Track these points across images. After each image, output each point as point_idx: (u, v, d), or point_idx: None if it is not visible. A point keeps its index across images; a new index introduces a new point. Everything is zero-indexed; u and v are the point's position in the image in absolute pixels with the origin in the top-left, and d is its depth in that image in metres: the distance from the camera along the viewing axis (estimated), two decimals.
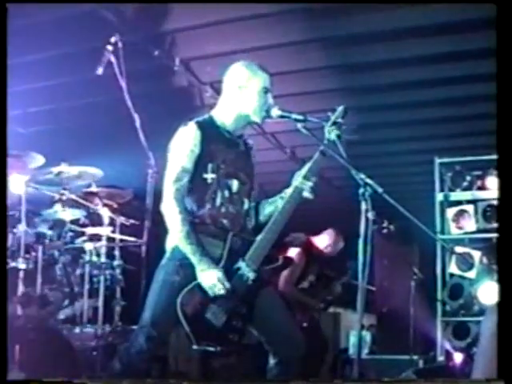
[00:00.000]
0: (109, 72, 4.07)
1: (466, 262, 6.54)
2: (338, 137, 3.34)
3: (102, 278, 5.58)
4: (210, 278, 3.23)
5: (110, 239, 5.86)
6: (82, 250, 5.68)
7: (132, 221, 6.04)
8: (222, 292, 3.23)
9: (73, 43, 5.17)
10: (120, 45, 4.08)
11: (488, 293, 6.31)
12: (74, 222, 5.96)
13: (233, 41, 5.24)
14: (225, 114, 3.51)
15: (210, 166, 3.38)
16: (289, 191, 3.44)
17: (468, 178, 6.90)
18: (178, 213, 3.28)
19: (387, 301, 7.14)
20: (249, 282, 3.31)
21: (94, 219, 5.98)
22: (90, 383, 3.72)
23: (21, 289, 4.97)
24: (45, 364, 4.15)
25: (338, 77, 5.99)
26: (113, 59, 4.07)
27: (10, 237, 5.13)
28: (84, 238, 5.85)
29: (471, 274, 6.58)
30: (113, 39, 4.09)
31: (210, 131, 3.42)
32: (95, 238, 5.80)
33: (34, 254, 5.26)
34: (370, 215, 3.03)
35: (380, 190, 3.06)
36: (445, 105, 6.52)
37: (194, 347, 3.19)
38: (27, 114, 6.26)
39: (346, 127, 3.40)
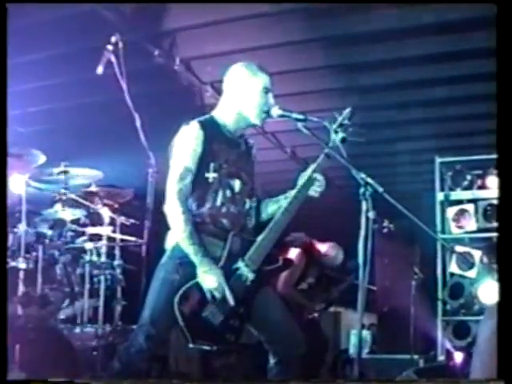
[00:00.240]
0: (109, 72, 4.06)
1: (466, 262, 6.53)
2: (343, 140, 3.35)
3: (102, 278, 5.58)
4: (211, 281, 3.22)
5: (111, 239, 5.86)
6: (82, 250, 5.69)
7: (132, 220, 6.05)
8: (221, 296, 3.23)
9: (73, 43, 5.17)
10: (120, 44, 4.07)
11: (488, 292, 6.31)
12: (75, 221, 5.97)
13: (233, 40, 5.23)
14: (226, 114, 3.51)
15: (211, 165, 3.38)
16: (293, 192, 3.44)
17: (468, 177, 6.89)
18: (181, 213, 3.28)
19: (388, 300, 7.12)
20: (248, 282, 3.32)
21: (95, 219, 5.98)
22: (93, 383, 3.72)
23: (21, 288, 4.98)
24: (45, 364, 4.15)
25: (338, 76, 5.99)
26: (113, 59, 4.05)
27: (10, 236, 5.13)
28: (84, 237, 5.85)
29: (472, 274, 6.58)
30: (113, 39, 4.08)
31: (212, 131, 3.43)
32: (95, 237, 5.81)
33: (34, 253, 5.27)
34: (371, 215, 3.03)
35: (380, 189, 3.06)
36: (445, 104, 6.52)
37: (190, 345, 3.20)
38: (27, 114, 6.25)
39: (352, 129, 3.41)
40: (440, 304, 6.75)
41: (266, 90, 3.46)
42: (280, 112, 3.43)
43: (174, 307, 3.17)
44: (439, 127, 7.11)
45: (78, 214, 5.91)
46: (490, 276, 6.36)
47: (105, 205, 5.86)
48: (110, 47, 4.07)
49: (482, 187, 6.83)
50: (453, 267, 6.78)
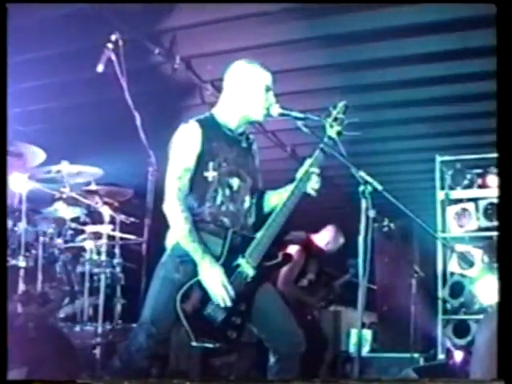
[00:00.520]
0: (109, 70, 4.06)
1: (466, 261, 6.53)
2: (339, 133, 3.36)
3: (102, 276, 5.57)
4: (212, 278, 3.23)
5: (111, 237, 5.86)
6: (82, 248, 5.68)
7: (132, 219, 6.04)
8: (223, 293, 3.23)
9: (73, 41, 5.17)
10: (120, 43, 4.07)
11: (489, 291, 6.30)
12: (75, 220, 5.97)
13: (233, 39, 5.23)
14: (226, 112, 3.51)
15: (210, 164, 3.38)
16: (290, 187, 3.44)
17: (469, 176, 6.89)
18: (180, 211, 3.29)
19: (388, 299, 7.12)
20: (248, 279, 3.32)
21: (95, 217, 5.98)
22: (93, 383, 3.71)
23: (21, 287, 4.98)
24: (45, 362, 4.15)
25: (339, 75, 5.99)
26: (113, 57, 4.05)
27: (10, 235, 5.12)
28: (84, 236, 5.85)
29: (472, 273, 6.58)
30: (113, 37, 4.08)
31: (211, 129, 3.42)
32: (95, 236, 5.80)
33: (34, 251, 5.26)
34: (371, 213, 3.03)
35: (380, 187, 3.06)
36: (446, 103, 6.52)
37: (193, 343, 3.20)
38: (27, 112, 6.26)
39: (346, 123, 3.41)
40: (440, 303, 6.75)
41: (267, 88, 3.46)
42: (280, 110, 3.43)
43: (175, 306, 3.18)
44: (440, 126, 7.11)
45: (78, 212, 5.92)
46: (490, 275, 6.35)
47: (105, 203, 5.85)
48: (110, 45, 4.07)
49: (483, 186, 6.83)
50: (453, 266, 6.79)
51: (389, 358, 6.44)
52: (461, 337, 6.38)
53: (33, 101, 6.22)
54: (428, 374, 5.03)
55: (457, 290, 6.64)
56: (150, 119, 4.08)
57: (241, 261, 3.32)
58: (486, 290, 6.36)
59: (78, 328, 5.30)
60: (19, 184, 5.10)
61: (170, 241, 3.44)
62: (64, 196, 5.64)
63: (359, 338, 3.38)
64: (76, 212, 5.88)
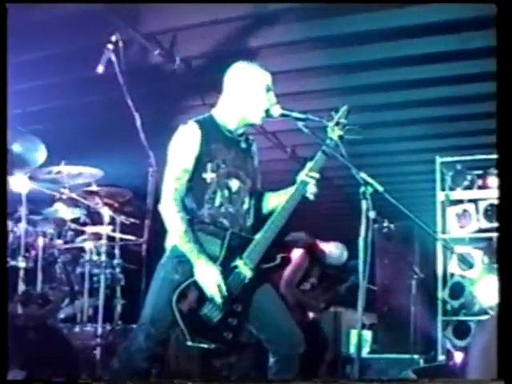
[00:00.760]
0: (109, 71, 4.06)
1: (466, 262, 6.52)
2: (341, 137, 3.35)
3: (102, 277, 5.57)
4: (207, 279, 3.23)
5: (111, 238, 5.86)
6: (82, 249, 5.68)
7: (132, 220, 6.04)
8: (218, 293, 3.23)
9: (73, 42, 5.18)
10: (121, 43, 4.07)
11: (489, 292, 6.30)
12: (75, 220, 5.97)
13: (234, 40, 5.23)
14: (225, 113, 3.50)
15: (209, 165, 3.37)
16: (291, 189, 3.44)
17: (469, 177, 6.89)
18: (176, 212, 3.29)
19: (388, 300, 7.11)
20: (246, 280, 3.32)
21: (95, 218, 5.98)
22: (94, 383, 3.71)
23: (21, 287, 4.98)
24: (45, 363, 4.15)
25: (339, 76, 5.99)
26: (113, 58, 4.06)
27: (10, 235, 5.13)
28: (84, 236, 5.85)
29: (472, 274, 6.57)
30: (113, 38, 4.08)
31: (211, 130, 3.42)
32: (95, 236, 5.80)
33: (34, 252, 5.27)
34: (371, 214, 3.03)
35: (381, 188, 3.06)
36: (446, 104, 6.52)
37: (189, 343, 3.20)
38: (27, 113, 6.26)
39: (349, 127, 3.41)
40: (440, 304, 6.74)
41: (268, 89, 3.45)
42: (281, 111, 3.42)
43: (171, 305, 3.18)
44: (440, 127, 7.12)
45: (78, 213, 5.92)
46: (490, 276, 6.35)
47: (105, 204, 5.85)
48: (110, 46, 4.07)
49: (483, 187, 6.82)
50: (453, 267, 6.78)
51: (389, 359, 6.43)
52: (461, 338, 6.38)
53: (33, 101, 6.23)
54: (428, 375, 5.03)
55: (457, 291, 6.64)
56: (150, 120, 4.09)
57: (238, 262, 3.32)
58: (486, 291, 6.35)
59: (77, 329, 5.30)
60: (19, 185, 5.10)
61: (169, 242, 3.44)
62: (64, 197, 5.64)
63: (359, 339, 3.38)
64: (76, 213, 5.88)
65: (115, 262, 5.77)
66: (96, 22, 4.77)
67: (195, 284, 3.24)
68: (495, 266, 6.40)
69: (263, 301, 3.41)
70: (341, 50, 5.50)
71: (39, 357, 4.16)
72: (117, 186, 6.04)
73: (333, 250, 6.54)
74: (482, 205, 6.72)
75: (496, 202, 6.54)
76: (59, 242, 5.65)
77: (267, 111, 3.43)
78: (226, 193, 3.42)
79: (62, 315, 5.54)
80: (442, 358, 6.51)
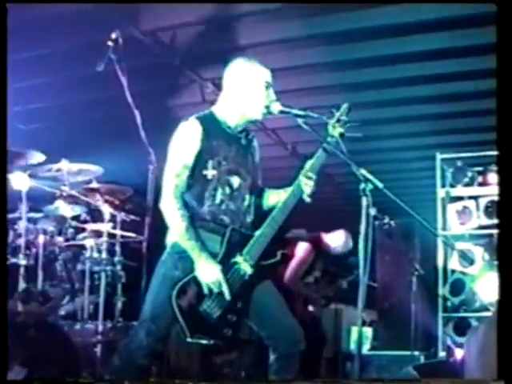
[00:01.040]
0: (109, 68, 4.06)
1: (467, 258, 6.53)
2: (341, 135, 3.35)
3: (102, 274, 5.57)
4: (208, 276, 3.24)
5: (111, 235, 5.86)
6: (82, 246, 5.68)
7: (133, 217, 6.04)
8: (218, 291, 3.23)
9: (73, 39, 5.17)
10: (121, 41, 4.07)
11: (489, 289, 6.30)
12: (75, 218, 5.97)
13: (233, 37, 5.23)
14: (226, 109, 3.50)
15: (210, 162, 3.38)
16: (290, 188, 3.44)
17: (469, 173, 6.89)
18: (177, 209, 3.29)
19: (388, 297, 7.11)
20: (245, 277, 3.32)
21: (95, 215, 5.98)
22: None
23: (21, 285, 4.98)
24: (45, 360, 4.15)
25: (340, 73, 5.99)
26: (113, 55, 4.05)
27: (10, 233, 5.13)
28: (85, 234, 5.85)
29: (472, 270, 6.57)
30: (113, 35, 4.08)
31: (211, 127, 3.42)
32: (96, 234, 5.80)
33: (34, 250, 5.27)
34: (371, 211, 3.03)
35: (380, 185, 3.06)
36: (446, 101, 6.52)
37: (188, 340, 3.20)
38: (27, 111, 6.26)
39: (349, 125, 3.40)
40: (441, 300, 6.75)
41: (267, 85, 3.45)
42: (281, 108, 3.42)
43: (171, 301, 3.18)
44: (440, 124, 7.11)
45: (79, 210, 5.92)
46: (490, 273, 6.35)
47: (105, 201, 5.85)
48: (110, 43, 4.06)
49: (483, 184, 6.82)
50: (454, 264, 6.78)
51: (389, 355, 6.44)
52: (461, 334, 6.37)
53: (33, 99, 6.22)
54: (428, 371, 5.02)
55: (457, 287, 6.64)
56: (151, 117, 4.09)
57: (238, 258, 3.32)
58: (486, 287, 6.35)
59: (78, 326, 5.30)
60: (20, 182, 5.10)
61: (170, 238, 3.44)
62: (64, 194, 5.64)
63: (359, 336, 3.38)
64: (76, 210, 5.88)
65: (116, 259, 5.77)
66: (96, 19, 4.76)
67: (195, 280, 3.25)
68: (495, 262, 6.40)
69: (263, 297, 3.41)
70: (341, 46, 5.50)
71: (40, 354, 4.17)
72: (117, 184, 6.03)
73: (337, 239, 6.53)
74: (483, 201, 6.72)
75: (496, 198, 6.54)
76: (60, 239, 5.65)
77: (267, 107, 3.43)
78: (227, 190, 3.42)
79: (62, 312, 5.54)
80: (442, 354, 6.52)
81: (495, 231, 6.57)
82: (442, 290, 6.75)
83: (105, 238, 5.72)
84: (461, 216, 6.84)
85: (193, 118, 3.40)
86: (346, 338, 7.24)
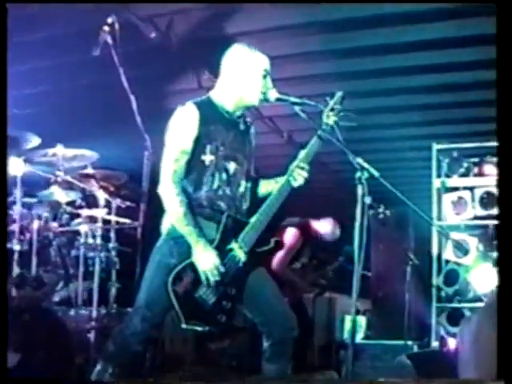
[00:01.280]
0: (105, 53, 4.03)
1: (461, 249, 6.53)
2: (336, 123, 3.35)
3: (97, 260, 5.57)
4: (206, 263, 3.24)
5: (106, 221, 5.85)
6: (77, 232, 5.67)
7: (128, 203, 6.03)
8: (216, 278, 3.23)
9: (69, 24, 5.13)
10: (117, 26, 4.04)
11: (483, 279, 6.31)
12: (70, 203, 5.95)
13: (231, 23, 5.20)
14: (223, 95, 3.50)
15: (208, 147, 3.37)
16: (283, 178, 3.44)
17: (465, 164, 6.89)
18: (175, 194, 3.29)
19: (382, 286, 7.12)
20: (240, 263, 3.33)
21: (90, 201, 5.97)
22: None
23: (15, 270, 4.97)
24: (39, 346, 4.15)
25: (336, 61, 5.96)
26: (109, 40, 4.03)
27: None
28: (79, 219, 5.84)
29: (467, 261, 6.58)
30: (109, 20, 4.05)
31: (209, 112, 3.42)
32: (91, 219, 5.79)
33: (28, 235, 5.26)
34: (367, 200, 3.03)
35: (376, 174, 3.06)
36: (443, 91, 6.49)
37: (183, 326, 3.21)
38: (23, 96, 6.22)
39: (343, 113, 3.40)
40: (435, 290, 6.76)
41: (265, 72, 3.45)
42: (277, 95, 3.43)
43: (167, 287, 3.17)
44: (437, 114, 7.09)
45: (74, 196, 5.90)
46: (485, 263, 6.36)
47: (100, 187, 5.84)
48: (106, 28, 4.04)
49: (479, 174, 6.83)
50: (448, 254, 6.79)
51: (383, 345, 6.45)
52: (455, 325, 6.38)
53: (28, 84, 6.17)
54: (422, 361, 5.04)
55: (451, 277, 6.65)
56: (146, 103, 4.07)
57: (234, 245, 3.33)
58: (480, 278, 6.36)
59: (72, 312, 5.30)
60: (14, 167, 5.08)
61: (165, 224, 3.44)
62: (59, 179, 5.62)
63: (353, 325, 3.39)
64: (71, 196, 5.87)
65: (110, 245, 5.77)
66: (92, 4, 4.72)
67: (191, 266, 3.25)
68: (490, 253, 6.41)
69: (257, 284, 3.42)
70: (337, 35, 5.47)
71: (34, 339, 4.16)
72: (112, 169, 6.02)
73: (325, 227, 6.54)
74: (478, 192, 6.72)
75: (492, 189, 6.54)
76: (54, 224, 5.64)
77: (264, 94, 3.42)
78: (224, 175, 3.42)
79: (56, 298, 5.53)
80: (435, 344, 6.53)
81: (490, 222, 6.58)
82: (436, 280, 6.76)
83: (99, 224, 5.72)
84: (456, 206, 6.85)
85: (190, 103, 3.39)
86: (339, 327, 7.27)
